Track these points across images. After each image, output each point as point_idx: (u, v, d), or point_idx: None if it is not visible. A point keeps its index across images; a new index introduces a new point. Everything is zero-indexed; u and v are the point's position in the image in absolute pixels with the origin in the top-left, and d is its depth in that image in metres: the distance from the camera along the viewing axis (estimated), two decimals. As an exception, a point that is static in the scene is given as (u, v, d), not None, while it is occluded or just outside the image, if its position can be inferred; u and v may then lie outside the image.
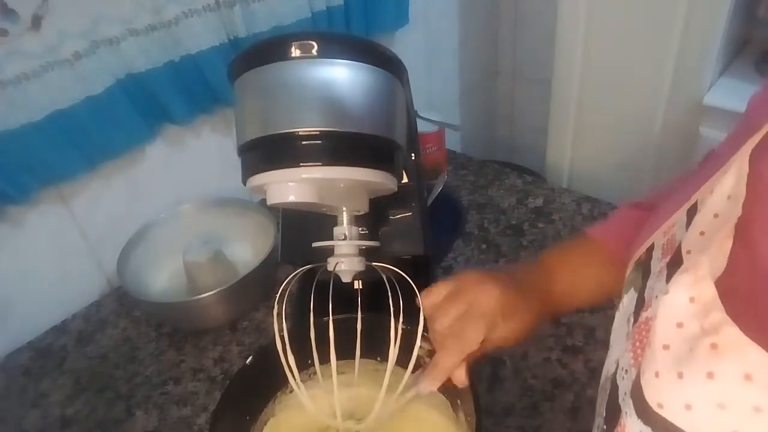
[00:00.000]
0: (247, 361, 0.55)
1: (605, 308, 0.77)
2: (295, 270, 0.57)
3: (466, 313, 0.48)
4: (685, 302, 0.28)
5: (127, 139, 0.87)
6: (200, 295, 0.76)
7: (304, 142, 0.48)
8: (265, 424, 0.57)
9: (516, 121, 1.78)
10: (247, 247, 0.91)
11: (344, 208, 0.55)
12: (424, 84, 1.44)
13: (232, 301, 0.81)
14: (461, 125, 1.62)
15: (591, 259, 0.55)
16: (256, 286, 0.83)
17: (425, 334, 0.52)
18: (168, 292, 0.86)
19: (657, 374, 0.28)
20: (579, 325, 0.75)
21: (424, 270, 0.75)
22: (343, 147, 0.48)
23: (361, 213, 0.56)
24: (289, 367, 0.53)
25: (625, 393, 0.32)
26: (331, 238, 0.55)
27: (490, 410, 0.66)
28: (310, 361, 0.56)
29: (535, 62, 1.61)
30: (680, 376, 0.27)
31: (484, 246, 0.92)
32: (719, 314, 0.26)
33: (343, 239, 0.55)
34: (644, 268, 0.37)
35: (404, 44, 1.25)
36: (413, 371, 0.53)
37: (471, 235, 0.94)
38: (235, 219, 0.91)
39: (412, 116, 0.63)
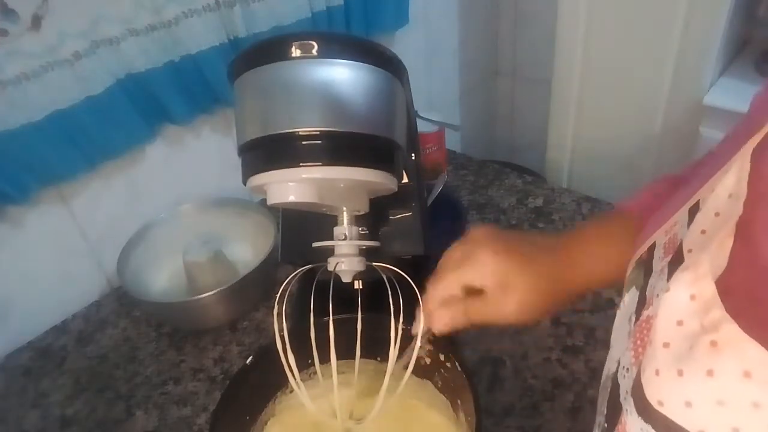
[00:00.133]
0: (247, 361, 0.55)
1: (605, 308, 0.77)
2: (295, 270, 0.57)
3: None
4: (685, 300, 0.28)
5: (127, 139, 0.87)
6: (200, 295, 0.76)
7: (304, 142, 0.47)
8: (265, 424, 0.57)
9: (516, 121, 1.78)
10: (247, 247, 0.91)
11: (344, 208, 0.55)
12: (424, 84, 1.44)
13: (232, 301, 0.81)
14: (461, 125, 1.62)
15: (623, 231, 0.52)
16: (256, 286, 0.83)
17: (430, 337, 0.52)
18: (168, 292, 0.87)
19: (657, 372, 0.28)
20: (579, 325, 0.75)
21: (424, 270, 0.75)
22: (343, 147, 0.48)
23: (361, 213, 0.56)
24: (289, 367, 0.53)
25: (626, 391, 0.32)
26: (331, 238, 0.55)
27: (490, 410, 0.66)
28: (310, 361, 0.56)
29: (535, 62, 1.61)
30: (680, 373, 0.27)
31: (484, 246, 0.92)
32: (719, 312, 0.26)
33: (343, 239, 0.54)
34: (646, 266, 0.37)
35: (404, 44, 1.25)
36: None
37: (471, 235, 0.94)
38: (235, 219, 0.91)
39: (412, 116, 0.63)
